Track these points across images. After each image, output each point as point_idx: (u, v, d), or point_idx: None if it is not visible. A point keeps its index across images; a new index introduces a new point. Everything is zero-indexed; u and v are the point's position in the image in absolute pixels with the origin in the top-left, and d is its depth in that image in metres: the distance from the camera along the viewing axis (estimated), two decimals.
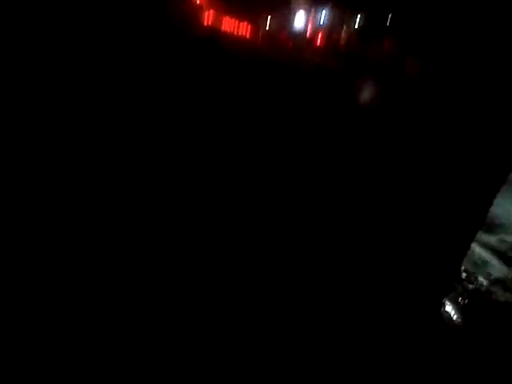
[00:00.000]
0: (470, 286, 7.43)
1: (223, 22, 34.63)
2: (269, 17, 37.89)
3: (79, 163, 5.16)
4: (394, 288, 4.64)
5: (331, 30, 33.72)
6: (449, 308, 4.59)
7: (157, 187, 5.30)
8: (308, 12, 36.98)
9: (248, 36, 32.93)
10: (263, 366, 2.89)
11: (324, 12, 35.91)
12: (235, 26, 30.06)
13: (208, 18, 37.58)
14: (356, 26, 34.69)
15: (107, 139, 6.79)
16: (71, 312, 2.82)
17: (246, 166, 7.08)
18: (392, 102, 17.61)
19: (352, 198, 6.52)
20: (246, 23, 32.60)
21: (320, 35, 35.43)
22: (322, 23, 36.51)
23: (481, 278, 7.81)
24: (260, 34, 35.98)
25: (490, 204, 7.22)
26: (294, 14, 36.74)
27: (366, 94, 18.53)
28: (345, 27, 33.26)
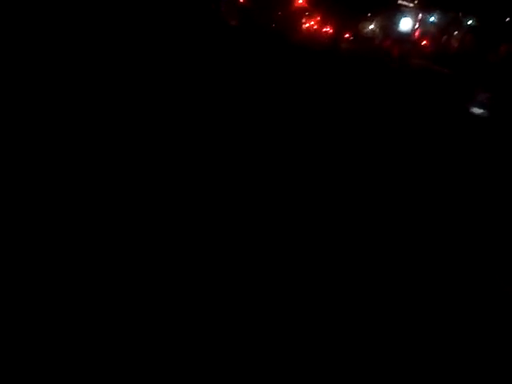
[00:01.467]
0: None
1: (327, 25, 33.64)
2: (374, 21, 36.22)
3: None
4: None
5: (440, 34, 31.65)
6: None
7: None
8: (415, 15, 34.86)
9: (351, 39, 31.66)
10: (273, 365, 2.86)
11: (433, 16, 33.77)
12: (339, 30, 29.10)
13: (312, 22, 36.74)
14: (468, 30, 32.25)
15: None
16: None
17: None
18: (508, 106, 15.89)
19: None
20: (349, 27, 31.34)
21: (428, 39, 33.30)
22: (430, 27, 34.38)
23: None
24: (364, 36, 34.52)
25: None
26: (401, 18, 34.87)
27: (480, 97, 17.02)
28: (456, 31, 31.06)
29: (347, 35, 32.05)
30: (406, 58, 26.34)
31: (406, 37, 31.75)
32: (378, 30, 34.67)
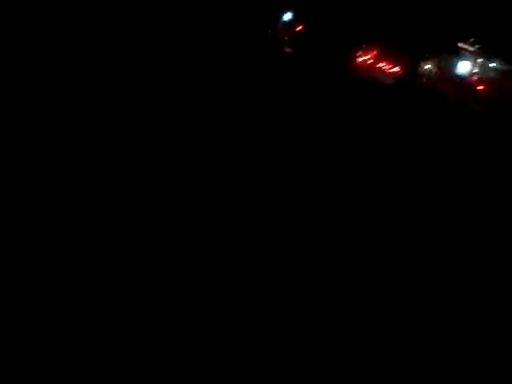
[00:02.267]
0: None
1: (383, 61, 33.18)
2: (431, 60, 35.54)
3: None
4: None
5: (500, 80, 30.63)
6: None
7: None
8: (474, 59, 33.85)
9: (407, 79, 31.01)
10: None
11: (494, 61, 32.73)
12: (396, 70, 28.52)
13: (368, 56, 36.25)
14: None
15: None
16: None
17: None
18: None
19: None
20: (406, 65, 30.92)
21: (486, 84, 32.32)
22: (489, 72, 33.35)
23: None
24: (421, 78, 33.91)
25: None
26: (459, 61, 34.03)
27: None
28: None
29: (403, 72, 31.47)
30: (462, 101, 25.54)
31: (463, 80, 30.90)
32: (434, 70, 33.95)
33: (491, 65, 30.53)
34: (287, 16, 21.62)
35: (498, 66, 31.29)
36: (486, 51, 30.29)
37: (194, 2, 12.68)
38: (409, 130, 13.22)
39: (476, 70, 31.49)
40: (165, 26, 12.05)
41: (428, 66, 35.25)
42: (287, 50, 19.85)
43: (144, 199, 4.08)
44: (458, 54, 32.02)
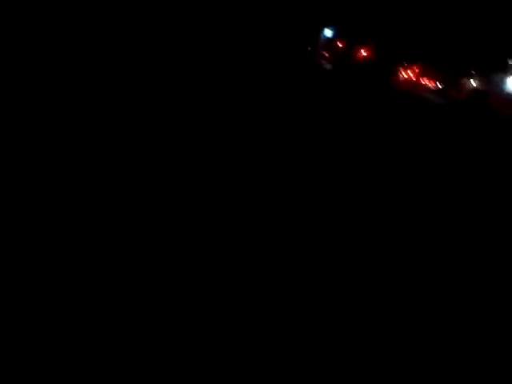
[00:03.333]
0: None
1: (426, 78, 32.40)
2: (477, 78, 34.42)
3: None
4: None
5: None
6: None
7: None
8: None
9: (450, 93, 30.27)
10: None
11: None
12: (441, 88, 27.64)
13: (410, 73, 35.43)
14: None
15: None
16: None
17: None
18: None
19: None
20: (450, 82, 30.11)
21: None
22: None
23: None
24: (467, 96, 32.88)
25: None
26: (508, 77, 32.72)
27: None
28: None
29: (448, 90, 30.53)
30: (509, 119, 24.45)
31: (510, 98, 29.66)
32: (482, 88, 32.79)
33: None
34: (328, 32, 21.25)
35: None
36: None
37: (235, 16, 12.53)
38: (457, 147, 12.70)
39: None
40: (194, 38, 11.92)
41: (475, 84, 34.10)
42: (327, 66, 19.44)
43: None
44: (508, 71, 30.81)
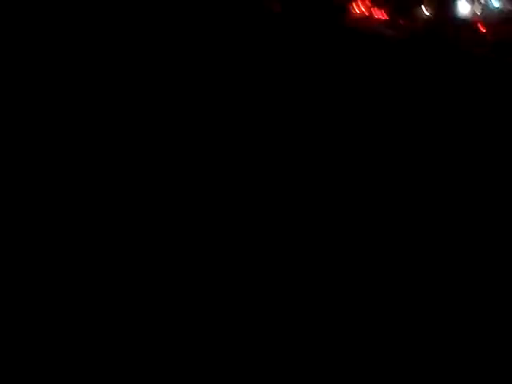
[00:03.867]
0: None
1: (377, 9, 31.84)
2: (426, 4, 33.82)
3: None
4: None
5: (506, 21, 29.18)
6: None
7: None
8: None
9: (403, 24, 30.09)
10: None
11: (496, 1, 31.02)
12: (391, 17, 27.37)
13: (360, 7, 34.60)
14: None
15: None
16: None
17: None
18: None
19: None
20: (403, 11, 29.86)
21: (489, 26, 31.11)
22: (493, 13, 31.74)
23: None
24: (416, 21, 32.73)
25: None
26: (457, 1, 32.15)
27: None
28: None
29: (399, 19, 29.87)
30: (464, 46, 24.22)
31: (464, 23, 29.31)
32: (431, 12, 32.20)
33: (494, 5, 28.83)
34: None
35: (501, 7, 29.59)
36: None
37: None
38: (414, 80, 13.02)
39: (477, 12, 29.83)
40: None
41: (423, 9, 33.41)
42: (276, 8, 18.44)
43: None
44: None
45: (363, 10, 31.27)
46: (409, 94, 10.97)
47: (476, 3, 29.46)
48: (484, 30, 28.64)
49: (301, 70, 10.10)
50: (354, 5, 30.66)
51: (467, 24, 28.58)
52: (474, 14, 29.68)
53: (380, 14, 30.50)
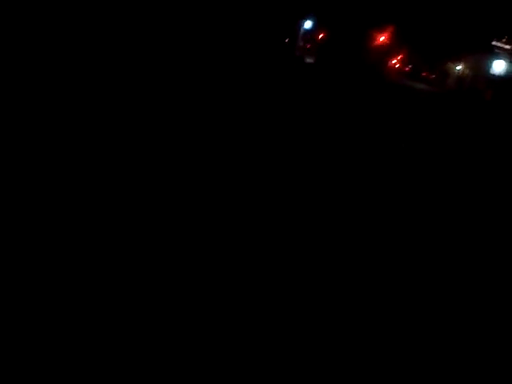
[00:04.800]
0: None
1: (411, 65, 31.93)
2: (463, 61, 33.54)
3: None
4: None
5: None
6: None
7: None
8: (510, 58, 31.67)
9: (436, 79, 29.91)
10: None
11: None
12: (427, 73, 27.15)
13: (395, 61, 34.65)
14: None
15: None
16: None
17: None
18: None
19: None
20: (435, 66, 29.72)
21: None
22: None
23: None
24: (453, 80, 32.57)
25: None
26: (494, 60, 31.89)
27: None
28: None
29: (432, 75, 29.90)
30: (499, 103, 23.85)
31: (500, 80, 29.05)
32: (467, 71, 32.09)
33: None
34: (308, 24, 20.38)
35: None
36: None
37: (207, 9, 11.88)
38: (447, 133, 12.46)
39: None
40: (177, 40, 11.48)
41: (459, 67, 33.39)
42: (309, 60, 18.53)
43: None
44: (492, 53, 30.18)
45: (398, 64, 31.55)
46: (439, 144, 10.57)
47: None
48: None
49: (334, 120, 9.99)
50: (389, 60, 30.95)
51: (502, 82, 28.36)
52: (510, 72, 29.45)
53: (414, 69, 30.64)
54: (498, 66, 29.84)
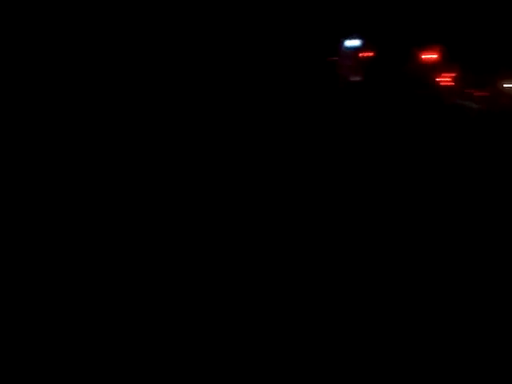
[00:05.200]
0: None
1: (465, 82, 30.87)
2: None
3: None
4: None
5: None
6: None
7: None
8: None
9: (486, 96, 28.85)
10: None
11: None
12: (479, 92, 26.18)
13: (447, 78, 33.64)
14: None
15: None
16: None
17: None
18: None
19: None
20: (489, 88, 28.66)
21: None
22: None
23: None
24: (506, 98, 31.33)
25: None
26: None
27: None
28: None
29: (488, 94, 28.64)
30: None
31: None
32: None
33: None
34: (353, 42, 19.94)
35: None
36: None
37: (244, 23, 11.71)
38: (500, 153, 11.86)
39: None
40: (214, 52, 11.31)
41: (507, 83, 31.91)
42: (354, 78, 17.97)
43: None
44: None
45: (449, 82, 30.39)
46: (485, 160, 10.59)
47: None
48: None
49: (380, 137, 9.87)
50: (439, 78, 29.95)
51: None
52: None
53: (466, 87, 29.45)
54: None
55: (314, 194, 5.54)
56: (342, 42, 18.17)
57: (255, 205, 4.41)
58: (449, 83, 31.56)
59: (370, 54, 21.38)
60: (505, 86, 30.08)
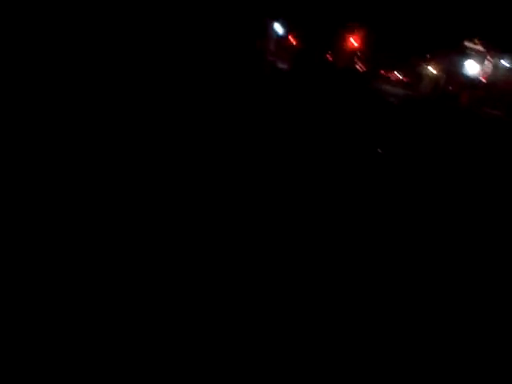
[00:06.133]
0: None
1: (382, 69, 31.56)
2: (433, 63, 33.06)
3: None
4: None
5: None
6: None
7: None
8: (482, 58, 31.30)
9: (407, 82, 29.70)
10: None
11: (505, 60, 30.28)
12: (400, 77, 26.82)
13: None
14: None
15: None
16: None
17: None
18: None
19: None
20: (404, 69, 29.41)
21: (499, 85, 30.52)
22: (501, 72, 31.09)
23: None
24: (426, 82, 32.29)
25: None
26: (465, 60, 31.42)
27: None
28: None
29: (404, 79, 29.61)
30: (475, 105, 23.53)
31: (474, 82, 28.77)
32: (440, 73, 31.79)
33: (503, 64, 28.43)
34: (279, 28, 19.76)
35: (510, 65, 29.26)
36: (495, 49, 28.20)
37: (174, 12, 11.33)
38: (425, 137, 12.36)
39: (486, 71, 29.37)
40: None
41: (430, 69, 33.19)
42: (281, 65, 17.89)
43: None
44: (464, 54, 29.92)
45: (372, 67, 31.22)
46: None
47: (485, 63, 29.04)
48: (493, 89, 28.13)
49: (311, 122, 9.90)
50: (359, 62, 30.60)
51: (475, 83, 28.13)
52: (483, 73, 29.24)
53: (389, 73, 30.33)
54: (471, 68, 29.60)
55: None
56: (270, 26, 18.00)
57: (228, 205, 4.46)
58: (369, 69, 32.40)
59: (296, 39, 21.39)
60: (427, 69, 31.29)
